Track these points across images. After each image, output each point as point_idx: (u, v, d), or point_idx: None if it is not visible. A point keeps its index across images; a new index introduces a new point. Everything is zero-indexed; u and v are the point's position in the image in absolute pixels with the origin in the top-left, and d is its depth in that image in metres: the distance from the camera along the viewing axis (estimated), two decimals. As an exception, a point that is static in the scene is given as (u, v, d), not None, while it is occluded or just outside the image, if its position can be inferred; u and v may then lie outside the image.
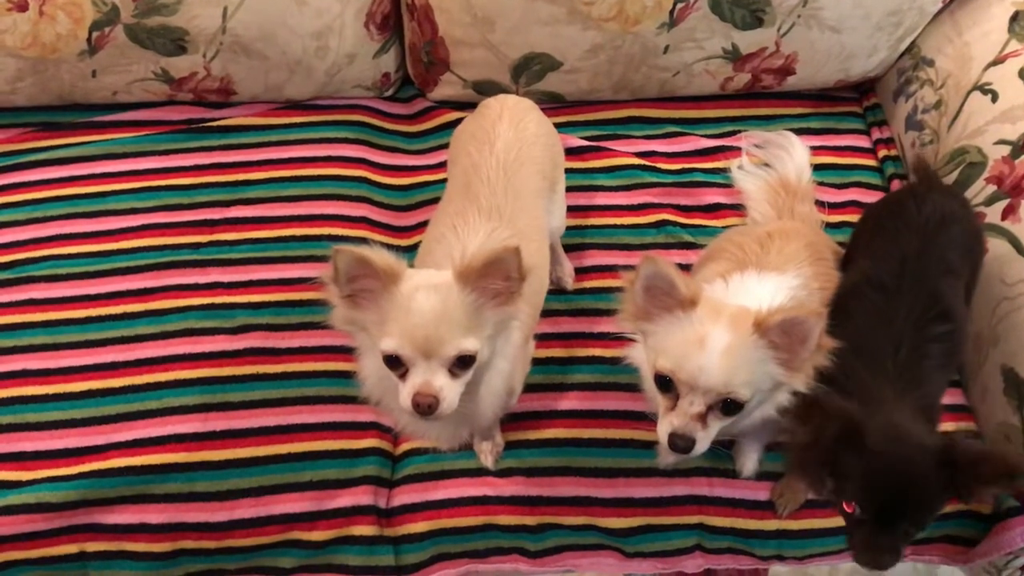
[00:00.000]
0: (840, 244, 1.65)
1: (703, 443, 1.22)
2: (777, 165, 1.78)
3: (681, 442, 1.21)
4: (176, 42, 1.74)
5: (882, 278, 1.39)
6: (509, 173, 1.37)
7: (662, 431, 1.23)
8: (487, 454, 1.52)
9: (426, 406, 1.15)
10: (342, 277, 1.16)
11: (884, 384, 1.29)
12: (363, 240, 1.73)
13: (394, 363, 1.16)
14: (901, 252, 1.41)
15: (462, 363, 1.16)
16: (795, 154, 1.78)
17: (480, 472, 1.52)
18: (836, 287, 1.45)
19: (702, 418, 1.21)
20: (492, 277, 1.14)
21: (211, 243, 1.74)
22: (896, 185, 1.85)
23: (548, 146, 1.52)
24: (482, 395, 1.28)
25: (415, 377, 1.16)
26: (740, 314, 1.19)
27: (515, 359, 1.34)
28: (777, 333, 1.17)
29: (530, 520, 1.51)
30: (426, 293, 1.13)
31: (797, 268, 1.39)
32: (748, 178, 1.80)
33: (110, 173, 1.82)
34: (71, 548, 1.48)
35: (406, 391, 1.16)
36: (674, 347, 1.20)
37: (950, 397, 1.58)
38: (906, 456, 1.19)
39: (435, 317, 1.13)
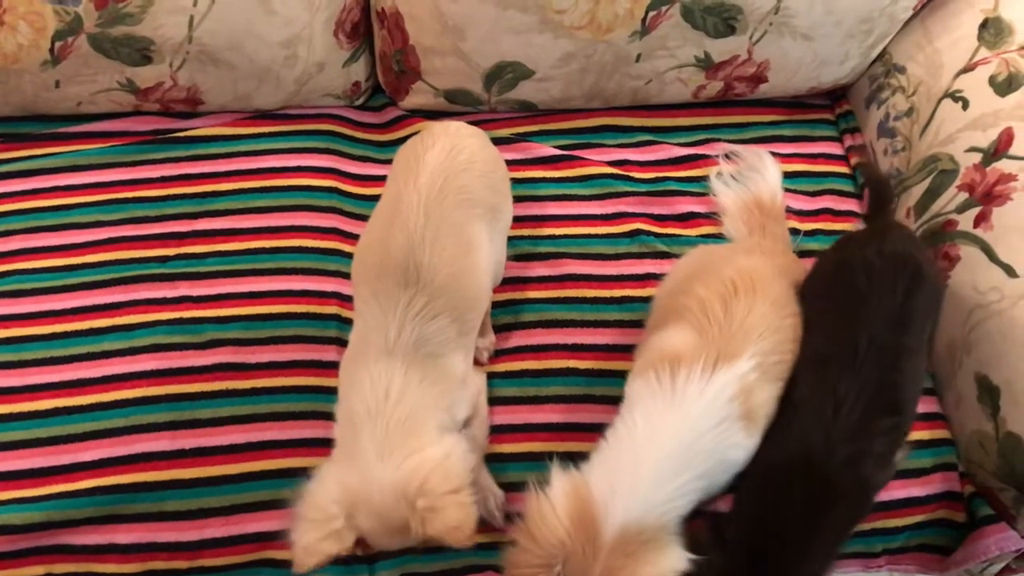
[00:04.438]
0: (812, 253, 1.65)
1: None
2: (750, 185, 1.78)
3: None
4: (141, 52, 1.71)
5: (835, 360, 1.36)
6: (430, 213, 1.37)
7: None
8: (493, 512, 1.51)
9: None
10: None
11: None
12: (334, 252, 1.72)
13: None
14: (854, 331, 1.37)
15: None
16: (768, 176, 1.77)
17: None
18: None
19: None
20: None
21: (179, 256, 1.70)
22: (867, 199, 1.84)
23: (484, 174, 1.49)
24: None
25: None
26: None
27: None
28: None
29: (506, 537, 1.48)
30: (384, 536, 1.27)
31: (757, 343, 1.34)
32: (725, 191, 1.79)
33: (75, 185, 1.78)
34: (38, 570, 1.45)
35: None
36: None
37: (923, 405, 1.58)
38: None
39: (397, 544, 1.30)
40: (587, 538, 1.24)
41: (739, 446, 1.33)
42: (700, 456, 1.29)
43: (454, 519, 1.22)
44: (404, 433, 1.29)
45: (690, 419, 1.30)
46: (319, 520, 1.24)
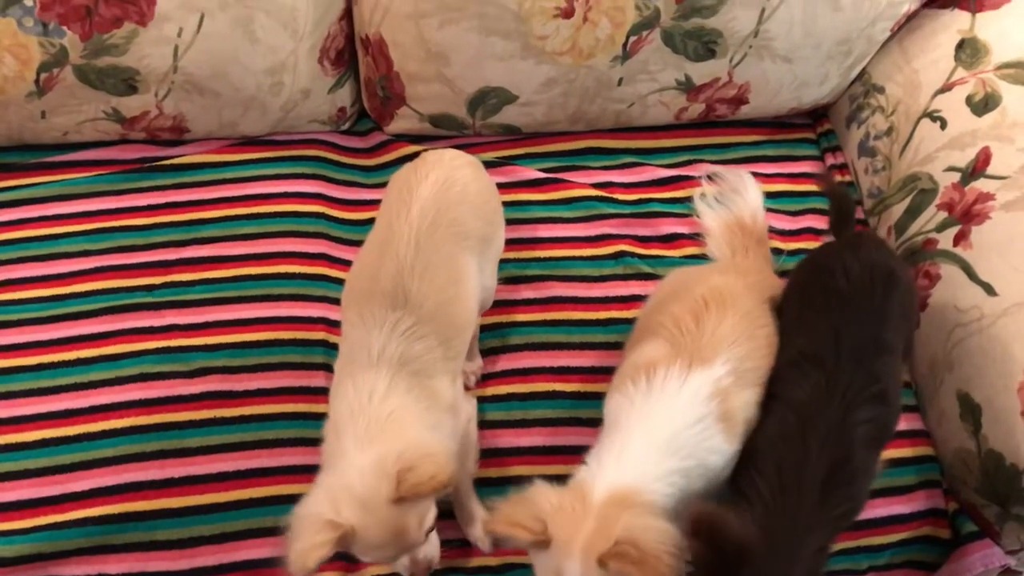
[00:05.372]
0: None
1: None
2: (732, 207, 1.79)
3: None
4: (127, 82, 1.72)
5: (818, 356, 1.38)
6: (421, 244, 1.38)
7: None
8: (481, 537, 1.50)
9: (425, 572, 1.32)
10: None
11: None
12: (322, 277, 1.73)
13: None
14: (835, 329, 1.39)
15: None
16: (749, 197, 1.79)
17: (443, 515, 1.50)
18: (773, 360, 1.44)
19: None
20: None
21: (166, 284, 1.71)
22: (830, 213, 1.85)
23: (477, 206, 1.50)
24: None
25: (403, 560, 1.30)
26: (590, 545, 1.20)
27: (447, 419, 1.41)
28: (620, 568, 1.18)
29: (493, 561, 1.51)
30: (376, 527, 1.22)
31: (729, 350, 1.37)
32: (708, 213, 1.81)
33: (61, 215, 1.78)
34: (27, 602, 1.45)
35: (401, 569, 1.32)
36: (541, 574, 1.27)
37: (907, 422, 1.60)
38: None
39: (395, 535, 1.24)
40: (577, 498, 1.24)
41: (718, 451, 1.34)
42: (682, 451, 1.30)
43: (429, 471, 1.20)
44: (385, 429, 1.28)
45: (671, 413, 1.32)
46: (307, 525, 1.20)
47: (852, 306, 1.42)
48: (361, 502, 1.21)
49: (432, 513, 1.28)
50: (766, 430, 1.37)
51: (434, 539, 1.32)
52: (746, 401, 1.38)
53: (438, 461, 1.22)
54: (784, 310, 1.50)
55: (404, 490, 1.19)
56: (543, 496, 1.25)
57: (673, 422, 1.31)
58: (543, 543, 1.22)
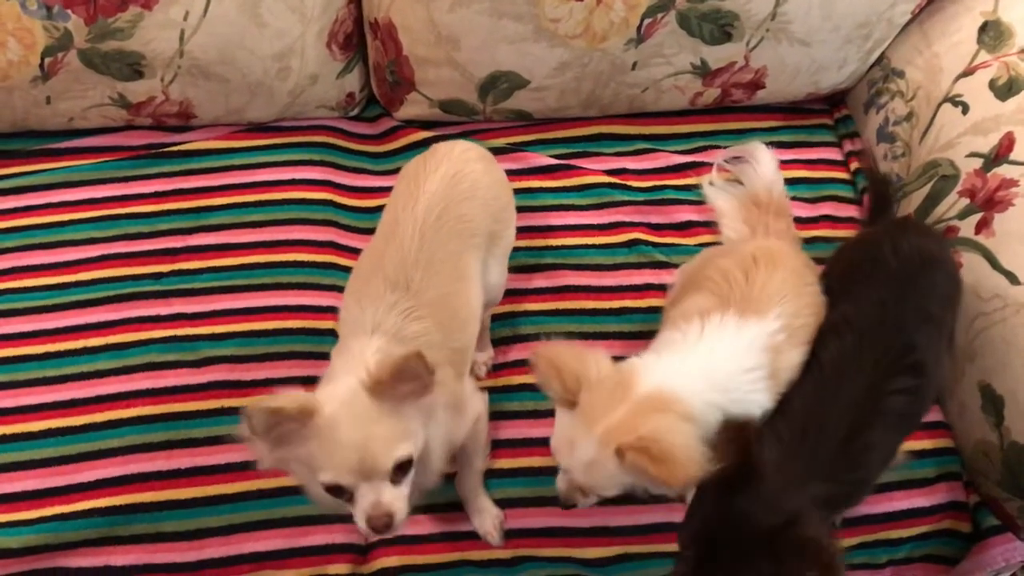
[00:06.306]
0: (815, 260, 1.64)
1: (584, 505, 1.34)
2: (745, 180, 1.75)
3: (566, 503, 1.34)
4: (132, 67, 1.69)
5: (859, 321, 1.37)
6: (426, 238, 1.35)
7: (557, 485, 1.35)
8: (491, 531, 1.49)
9: (383, 525, 1.17)
10: (260, 433, 1.13)
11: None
12: (330, 265, 1.71)
13: (337, 491, 1.18)
14: (879, 298, 1.38)
15: (401, 469, 1.18)
16: (760, 167, 1.74)
17: (452, 507, 1.49)
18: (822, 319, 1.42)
19: (580, 489, 1.30)
20: (403, 382, 1.15)
21: (173, 272, 1.69)
22: (869, 199, 1.83)
23: (486, 202, 1.46)
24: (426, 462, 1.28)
25: (363, 501, 1.17)
26: (612, 430, 1.20)
27: (447, 415, 1.33)
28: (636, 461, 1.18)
29: (504, 554, 1.48)
30: (346, 418, 1.14)
31: (780, 305, 1.35)
32: (719, 195, 1.77)
33: (67, 202, 1.76)
34: (33, 594, 1.44)
35: (359, 516, 1.18)
36: (556, 436, 1.30)
37: (927, 414, 1.57)
38: (736, 538, 1.19)
39: (362, 438, 1.14)
40: (619, 382, 1.24)
41: (759, 405, 1.32)
42: (731, 393, 1.29)
43: (404, 354, 1.14)
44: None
45: (728, 353, 1.31)
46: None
47: (899, 279, 1.41)
48: (338, 396, 1.16)
49: (406, 445, 1.17)
50: (801, 384, 1.35)
51: (403, 492, 1.19)
52: (793, 362, 1.36)
53: (416, 352, 1.17)
54: (829, 284, 1.48)
55: (381, 372, 1.13)
56: (595, 362, 1.25)
57: (729, 362, 1.31)
58: (570, 403, 1.22)
